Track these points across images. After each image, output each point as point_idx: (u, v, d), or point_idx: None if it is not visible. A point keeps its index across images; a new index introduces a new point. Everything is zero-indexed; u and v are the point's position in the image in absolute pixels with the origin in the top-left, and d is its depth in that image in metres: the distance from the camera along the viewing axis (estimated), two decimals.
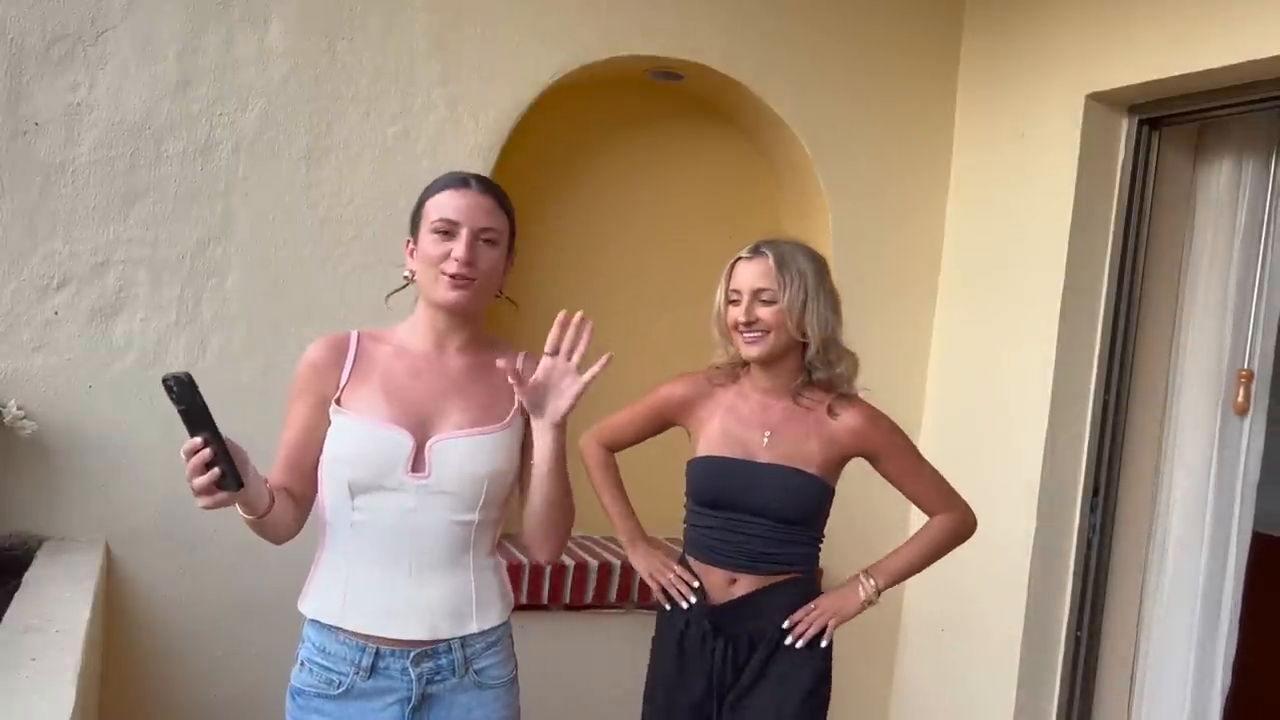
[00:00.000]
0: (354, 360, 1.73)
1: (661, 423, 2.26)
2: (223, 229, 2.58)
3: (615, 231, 3.32)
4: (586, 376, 1.62)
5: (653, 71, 3.14)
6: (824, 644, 2.10)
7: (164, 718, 2.59)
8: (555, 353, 1.63)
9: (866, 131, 3.25)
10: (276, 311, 2.64)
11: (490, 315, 1.81)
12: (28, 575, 2.18)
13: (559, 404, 1.63)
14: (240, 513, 1.61)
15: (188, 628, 2.60)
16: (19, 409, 2.36)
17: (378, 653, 1.69)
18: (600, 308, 3.44)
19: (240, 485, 1.52)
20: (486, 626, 1.75)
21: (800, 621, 2.10)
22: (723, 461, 2.12)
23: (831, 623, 2.11)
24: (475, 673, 1.74)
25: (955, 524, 2.19)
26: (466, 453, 1.68)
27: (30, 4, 2.40)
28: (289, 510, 1.69)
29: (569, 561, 2.92)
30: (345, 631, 1.69)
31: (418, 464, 1.67)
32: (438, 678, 1.71)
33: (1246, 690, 3.01)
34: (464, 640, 1.73)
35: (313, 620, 1.73)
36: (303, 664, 1.73)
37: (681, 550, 2.23)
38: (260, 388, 2.63)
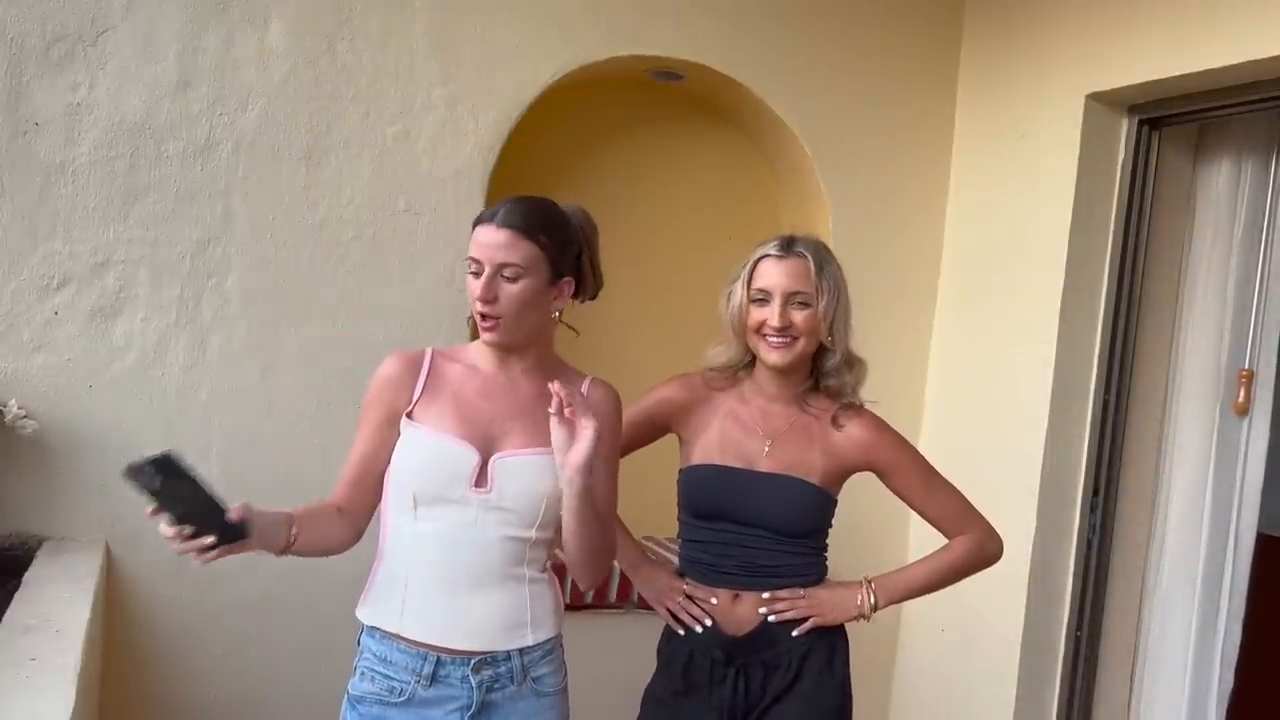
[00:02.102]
0: (427, 376, 1.77)
1: (656, 429, 2.10)
2: (223, 229, 2.58)
3: (615, 232, 3.29)
4: (591, 432, 1.63)
5: (653, 71, 3.14)
6: (794, 634, 1.99)
7: (164, 717, 2.59)
8: (560, 412, 1.64)
9: (867, 132, 3.25)
10: (276, 311, 2.64)
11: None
12: (28, 575, 2.18)
13: (575, 452, 1.63)
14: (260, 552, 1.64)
15: (188, 628, 2.60)
16: (19, 409, 2.36)
17: (438, 660, 1.72)
18: (599, 308, 3.45)
19: (239, 536, 1.52)
20: (541, 639, 1.79)
21: (782, 600, 2.00)
22: (721, 470, 2.00)
23: (814, 620, 2.00)
24: (533, 680, 1.78)
25: (973, 547, 2.05)
26: (528, 471, 1.72)
27: (30, 4, 2.40)
28: (332, 530, 1.73)
29: (575, 581, 2.91)
30: (405, 640, 1.73)
31: (481, 479, 1.71)
32: (497, 685, 1.75)
33: (1249, 692, 3.01)
34: (521, 649, 1.76)
35: (371, 629, 1.77)
36: (362, 673, 1.76)
37: (678, 566, 2.11)
38: (260, 388, 2.64)
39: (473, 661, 1.72)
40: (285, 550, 1.65)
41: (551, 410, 1.62)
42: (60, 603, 2.02)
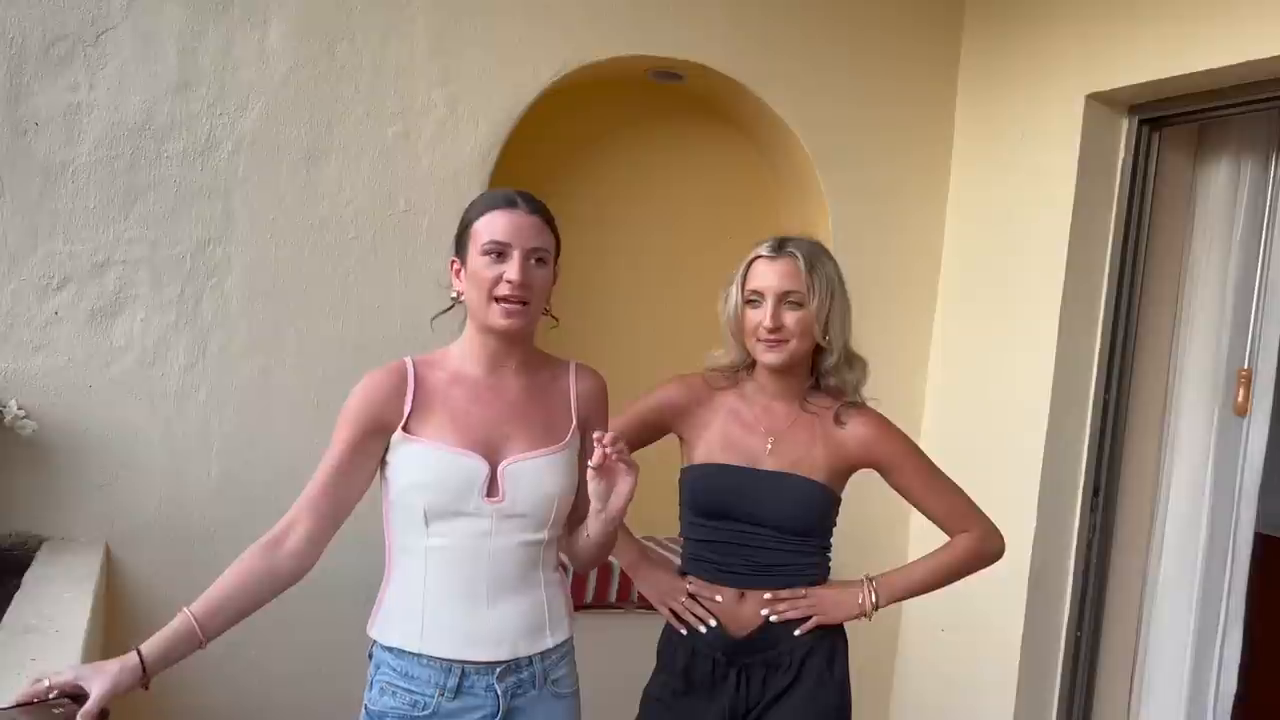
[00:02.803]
0: (414, 388, 1.72)
1: (656, 431, 2.10)
2: (223, 229, 2.58)
3: (615, 231, 3.32)
4: (631, 481, 1.65)
5: (653, 71, 3.14)
6: (796, 633, 1.99)
7: (164, 717, 2.59)
8: (599, 467, 1.65)
9: (866, 132, 3.25)
10: (276, 311, 2.64)
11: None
12: (28, 575, 2.17)
13: (615, 503, 1.66)
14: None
15: None
16: (19, 409, 2.36)
17: (463, 672, 1.70)
18: (600, 308, 3.46)
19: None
20: (560, 640, 1.79)
21: (784, 599, 2.00)
22: (724, 469, 2.00)
23: (815, 619, 2.00)
24: (552, 683, 1.78)
25: (975, 545, 2.05)
26: (536, 473, 1.71)
27: (30, 4, 2.40)
28: (269, 585, 1.68)
29: (569, 561, 2.92)
30: (428, 655, 1.70)
31: (492, 488, 1.68)
32: (520, 691, 1.74)
33: (1249, 692, 3.01)
34: (543, 653, 1.76)
35: (391, 647, 1.73)
36: (382, 688, 1.73)
37: (680, 565, 2.11)
38: (260, 388, 2.63)
39: (497, 670, 1.71)
40: (203, 646, 1.63)
41: (592, 464, 1.62)
42: (60, 603, 2.02)
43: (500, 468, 1.69)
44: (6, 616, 1.92)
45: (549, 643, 1.76)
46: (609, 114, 3.29)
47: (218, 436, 2.60)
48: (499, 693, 1.71)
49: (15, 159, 2.41)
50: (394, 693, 1.71)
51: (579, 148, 3.26)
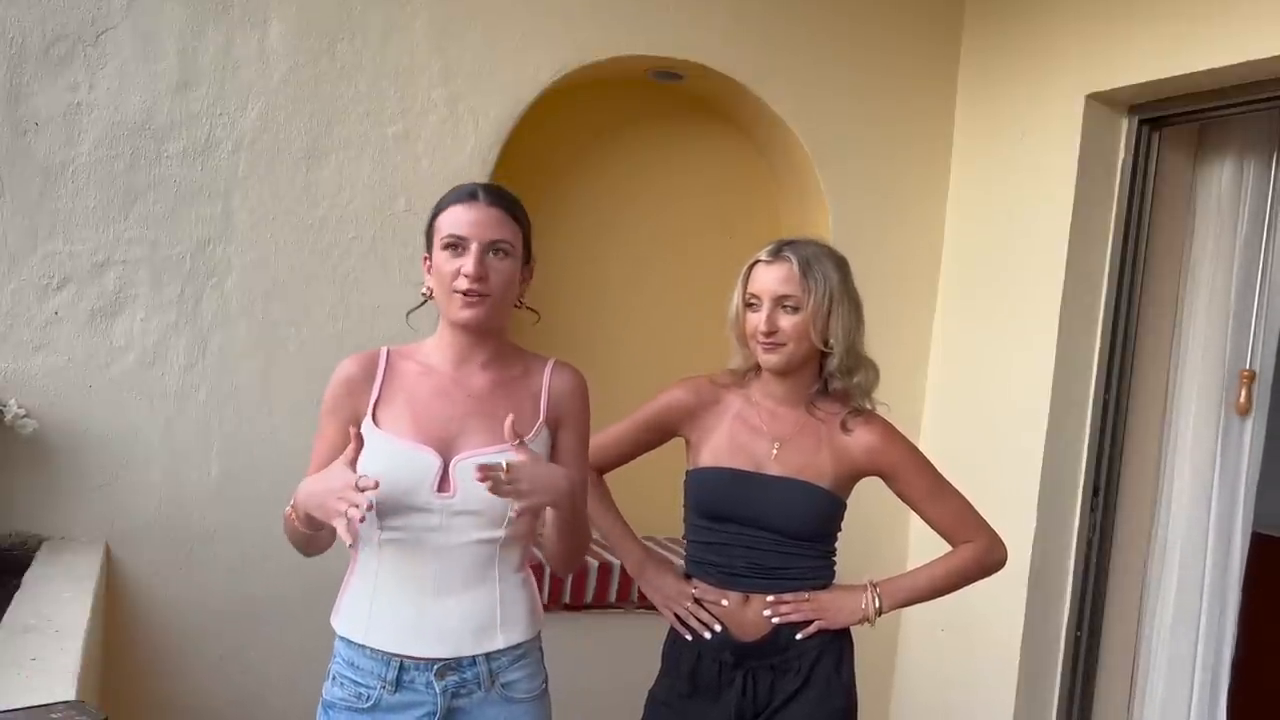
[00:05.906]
0: (383, 377, 1.74)
1: (662, 434, 2.10)
2: (223, 229, 2.58)
3: (615, 231, 3.32)
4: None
5: (653, 71, 3.14)
6: (799, 637, 1.99)
7: (165, 717, 2.59)
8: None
9: (866, 131, 3.25)
10: (276, 311, 2.64)
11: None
12: (28, 575, 2.18)
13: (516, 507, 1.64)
14: (300, 528, 1.67)
15: (188, 628, 2.60)
16: (19, 409, 2.36)
17: (402, 665, 1.69)
18: (600, 308, 3.46)
19: None
20: (513, 642, 1.75)
21: (786, 603, 2.00)
22: (729, 473, 2.00)
23: (818, 624, 1.99)
24: (503, 686, 1.74)
25: (980, 555, 2.04)
26: None
27: (30, 4, 2.40)
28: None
29: (548, 564, 2.91)
30: (371, 647, 1.71)
31: (443, 484, 1.68)
32: (463, 691, 1.72)
33: (1246, 690, 3.01)
34: (489, 655, 1.73)
35: (342, 636, 1.75)
36: (334, 677, 1.75)
37: (684, 568, 2.10)
38: (260, 388, 2.64)
39: (436, 666, 1.70)
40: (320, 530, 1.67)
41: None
42: (60, 603, 2.02)
43: (453, 463, 1.68)
44: (6, 616, 1.92)
45: (499, 643, 1.73)
46: (609, 114, 3.29)
47: (218, 436, 2.60)
48: (438, 690, 1.70)
49: (15, 159, 2.41)
50: (342, 683, 1.72)
51: (579, 148, 3.26)
